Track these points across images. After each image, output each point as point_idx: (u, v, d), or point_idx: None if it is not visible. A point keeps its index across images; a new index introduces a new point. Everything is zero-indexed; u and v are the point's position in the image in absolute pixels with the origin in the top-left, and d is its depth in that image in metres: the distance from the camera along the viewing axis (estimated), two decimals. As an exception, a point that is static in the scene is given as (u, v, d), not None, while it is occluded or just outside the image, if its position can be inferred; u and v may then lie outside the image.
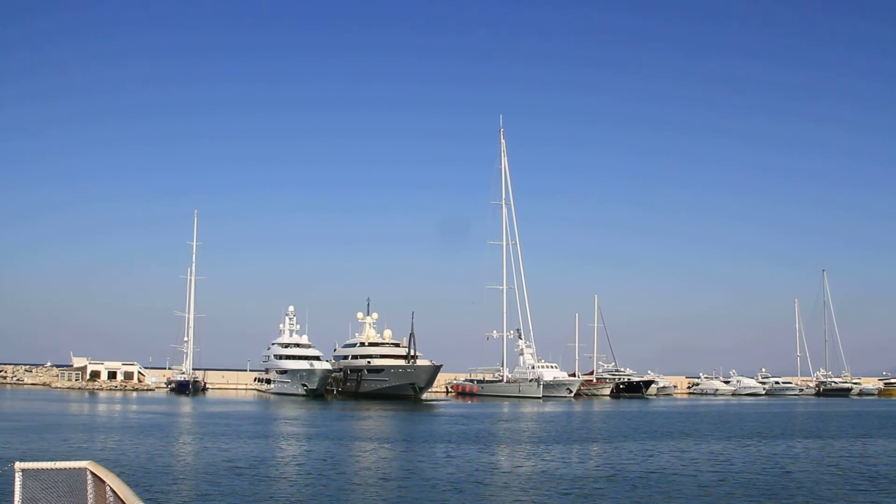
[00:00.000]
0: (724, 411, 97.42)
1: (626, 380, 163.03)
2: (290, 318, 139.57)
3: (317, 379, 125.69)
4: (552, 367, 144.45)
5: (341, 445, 45.84)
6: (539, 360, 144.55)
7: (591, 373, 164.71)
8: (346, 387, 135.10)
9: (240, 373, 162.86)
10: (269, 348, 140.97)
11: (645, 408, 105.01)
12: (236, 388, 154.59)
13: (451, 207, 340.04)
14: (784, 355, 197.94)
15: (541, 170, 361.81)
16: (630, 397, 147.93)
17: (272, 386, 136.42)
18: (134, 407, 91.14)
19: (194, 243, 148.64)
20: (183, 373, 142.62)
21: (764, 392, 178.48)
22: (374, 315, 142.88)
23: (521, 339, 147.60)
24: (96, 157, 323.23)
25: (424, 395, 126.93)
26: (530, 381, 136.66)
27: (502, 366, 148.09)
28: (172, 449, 43.14)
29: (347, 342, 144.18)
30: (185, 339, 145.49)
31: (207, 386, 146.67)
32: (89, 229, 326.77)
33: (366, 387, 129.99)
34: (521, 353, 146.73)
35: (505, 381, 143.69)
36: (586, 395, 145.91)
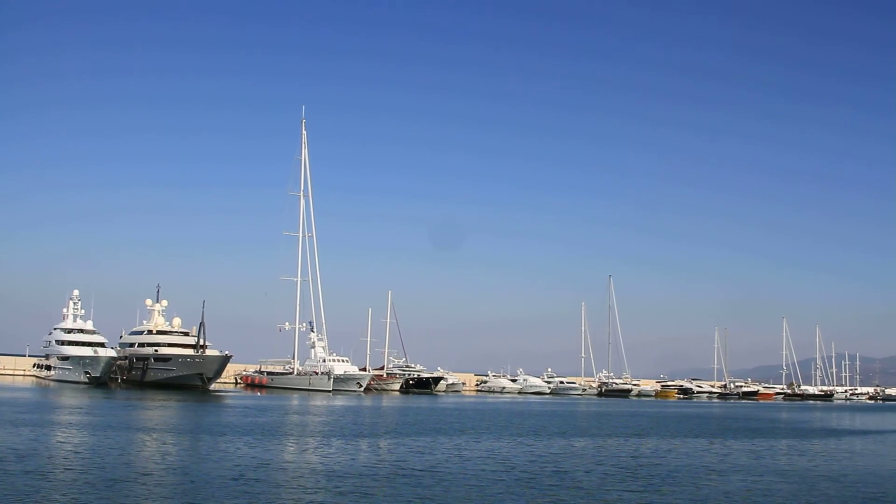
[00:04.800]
0: (509, 409, 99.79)
1: (415, 376, 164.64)
2: (74, 303, 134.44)
3: (100, 366, 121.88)
4: (343, 360, 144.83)
5: (115, 437, 44.34)
6: (330, 354, 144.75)
7: (382, 368, 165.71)
8: (131, 375, 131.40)
9: (17, 358, 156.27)
10: (50, 333, 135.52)
11: (432, 404, 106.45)
12: (13, 374, 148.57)
13: (251, 201, 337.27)
14: (572, 356, 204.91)
15: (341, 166, 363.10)
16: (419, 393, 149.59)
17: (53, 372, 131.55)
18: None
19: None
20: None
21: (549, 391, 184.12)
22: (164, 302, 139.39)
23: (313, 331, 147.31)
24: None
25: (213, 386, 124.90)
26: (321, 374, 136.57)
27: (293, 358, 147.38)
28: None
29: (134, 329, 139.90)
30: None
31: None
32: None
33: (152, 376, 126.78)
34: (313, 346, 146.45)
35: (295, 373, 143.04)
36: (376, 389, 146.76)
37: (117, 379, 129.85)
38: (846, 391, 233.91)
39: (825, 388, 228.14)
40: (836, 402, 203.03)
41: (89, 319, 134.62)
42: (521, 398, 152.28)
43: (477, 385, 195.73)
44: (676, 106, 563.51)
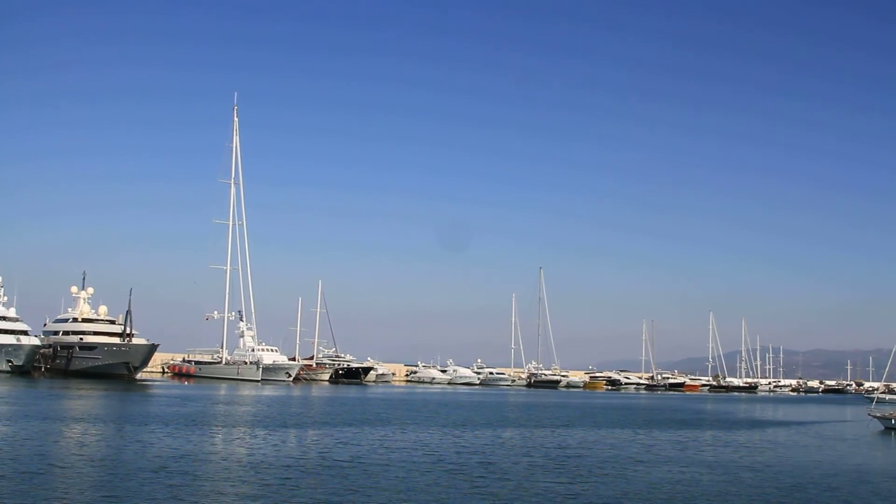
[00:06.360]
0: (438, 399, 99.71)
1: (345, 366, 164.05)
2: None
3: (23, 354, 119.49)
4: (272, 350, 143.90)
5: (34, 427, 43.23)
6: (259, 343, 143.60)
7: (312, 357, 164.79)
8: (55, 364, 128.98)
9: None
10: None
11: (361, 394, 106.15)
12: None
13: (182, 191, 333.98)
14: (503, 348, 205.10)
15: (275, 158, 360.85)
16: (349, 383, 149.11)
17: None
18: None
19: None
20: None
21: (478, 382, 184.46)
22: (90, 290, 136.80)
23: (242, 321, 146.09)
24: None
25: (139, 375, 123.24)
26: (249, 363, 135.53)
27: (222, 347, 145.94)
28: None
29: (59, 317, 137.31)
30: None
31: None
32: None
33: (77, 364, 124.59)
34: (242, 336, 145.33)
35: (224, 363, 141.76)
36: (306, 379, 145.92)
37: (41, 368, 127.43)
38: (770, 383, 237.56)
39: (750, 380, 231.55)
40: (760, 393, 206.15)
41: (12, 307, 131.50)
42: (450, 389, 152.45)
43: (407, 375, 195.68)
44: (620, 96, 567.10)
